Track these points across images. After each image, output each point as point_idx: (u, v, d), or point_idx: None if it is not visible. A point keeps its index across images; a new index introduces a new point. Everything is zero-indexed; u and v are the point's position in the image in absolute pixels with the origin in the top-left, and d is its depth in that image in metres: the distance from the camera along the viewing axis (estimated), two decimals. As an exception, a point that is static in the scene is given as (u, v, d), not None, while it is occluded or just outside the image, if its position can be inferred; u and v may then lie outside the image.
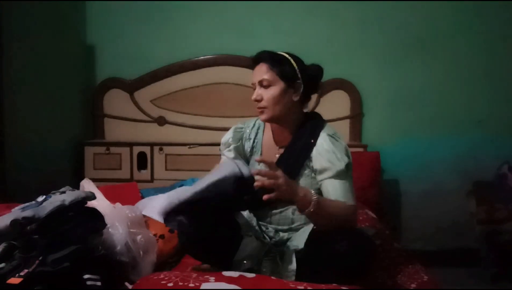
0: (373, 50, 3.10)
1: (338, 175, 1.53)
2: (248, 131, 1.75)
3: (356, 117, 3.12)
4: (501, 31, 3.08)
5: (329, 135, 1.60)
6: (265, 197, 1.36)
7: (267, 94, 1.58)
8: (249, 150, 1.72)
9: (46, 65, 2.76)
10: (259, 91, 1.59)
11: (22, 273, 1.30)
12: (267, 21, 3.10)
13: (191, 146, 3.02)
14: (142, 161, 3.07)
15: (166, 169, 3.05)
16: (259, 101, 1.59)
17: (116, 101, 3.16)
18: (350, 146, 2.98)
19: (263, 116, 1.61)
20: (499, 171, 2.96)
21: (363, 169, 2.86)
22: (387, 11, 3.07)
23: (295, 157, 1.60)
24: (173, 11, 3.12)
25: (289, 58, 1.61)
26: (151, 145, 3.07)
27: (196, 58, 3.12)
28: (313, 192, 1.46)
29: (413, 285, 1.59)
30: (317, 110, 3.05)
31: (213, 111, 3.09)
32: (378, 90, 3.12)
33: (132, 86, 3.16)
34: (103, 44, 3.16)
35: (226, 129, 1.82)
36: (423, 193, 3.13)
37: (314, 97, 3.03)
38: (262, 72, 1.59)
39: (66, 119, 2.99)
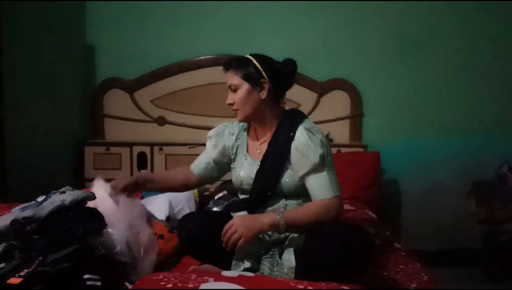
0: (373, 50, 3.11)
1: (313, 170, 1.57)
2: (231, 126, 1.81)
3: (356, 117, 3.12)
4: (501, 31, 3.08)
5: (306, 128, 1.62)
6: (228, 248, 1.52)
7: (236, 97, 1.67)
8: (231, 145, 1.78)
9: (46, 65, 2.76)
10: (230, 96, 1.68)
11: (22, 273, 1.30)
12: (267, 21, 3.11)
13: (191, 146, 3.02)
14: (142, 161, 3.07)
15: (166, 169, 3.05)
16: (232, 104, 1.69)
17: (116, 101, 3.17)
18: (350, 146, 3.04)
19: (238, 118, 1.70)
20: (499, 171, 2.96)
21: (363, 169, 2.86)
22: (387, 11, 3.07)
23: (278, 151, 1.63)
24: (173, 11, 3.12)
25: (252, 59, 1.67)
26: (151, 145, 3.07)
27: (196, 58, 3.13)
28: (280, 214, 1.52)
29: (413, 285, 1.59)
30: (317, 110, 3.09)
31: (213, 111, 3.09)
32: (378, 90, 3.12)
33: (132, 86, 3.16)
34: (103, 44, 3.16)
35: (226, 129, 1.84)
36: (423, 193, 3.13)
37: (314, 97, 3.09)
38: (229, 78, 1.68)
39: (66, 119, 2.99)
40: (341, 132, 3.11)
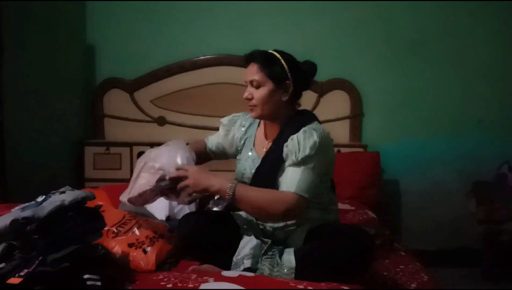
0: (373, 50, 3.11)
1: (293, 164, 1.53)
2: (244, 118, 1.80)
3: (356, 117, 3.12)
4: (500, 31, 3.08)
5: (304, 130, 1.57)
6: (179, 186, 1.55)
7: (257, 94, 1.62)
8: (239, 137, 1.78)
9: (46, 65, 2.76)
10: (250, 90, 1.64)
11: (22, 273, 1.30)
12: (267, 21, 3.11)
13: (191, 146, 3.02)
14: (142, 161, 3.06)
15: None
16: (250, 99, 1.64)
17: (116, 101, 3.16)
18: (350, 146, 3.04)
19: (253, 114, 1.66)
20: (499, 171, 2.97)
21: (363, 169, 2.86)
22: (387, 11, 3.07)
23: (278, 151, 1.61)
24: (173, 11, 3.12)
25: (280, 58, 1.62)
26: (151, 145, 3.05)
27: (196, 58, 3.13)
28: (232, 185, 1.51)
29: (413, 285, 1.59)
30: (317, 110, 3.08)
31: (213, 111, 3.08)
32: (378, 90, 3.12)
33: (132, 86, 3.16)
34: (103, 44, 3.16)
35: (226, 129, 1.86)
36: (423, 193, 3.13)
37: (314, 97, 3.08)
38: (253, 72, 1.63)
39: (66, 119, 2.99)
40: (341, 132, 3.11)
